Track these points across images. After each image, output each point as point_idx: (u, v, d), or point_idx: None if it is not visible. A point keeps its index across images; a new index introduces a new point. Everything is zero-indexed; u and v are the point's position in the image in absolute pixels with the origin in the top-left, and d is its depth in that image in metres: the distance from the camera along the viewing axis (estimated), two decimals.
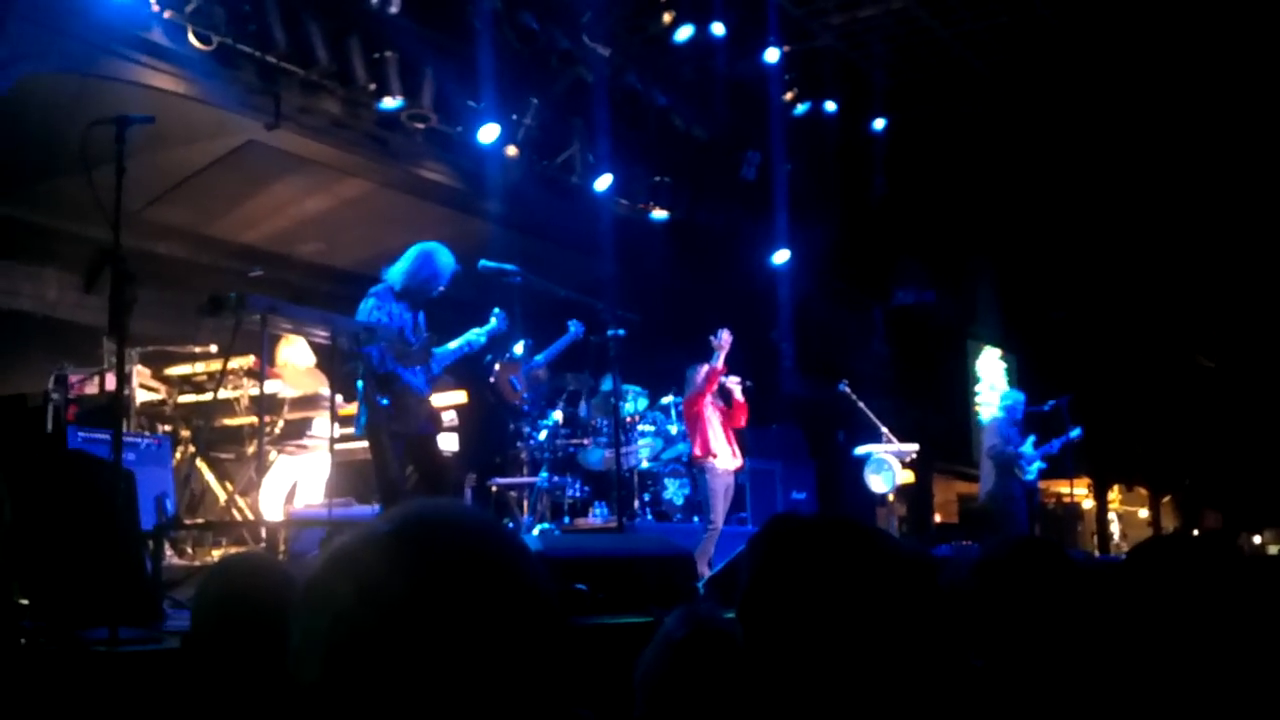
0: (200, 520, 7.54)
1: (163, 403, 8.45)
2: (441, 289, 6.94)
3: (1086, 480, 20.64)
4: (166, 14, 7.98)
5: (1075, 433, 11.70)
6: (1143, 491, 23.27)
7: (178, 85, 8.31)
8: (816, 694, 1.71)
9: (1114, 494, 22.88)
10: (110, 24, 7.72)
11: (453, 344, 7.22)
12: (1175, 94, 13.83)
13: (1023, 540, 2.71)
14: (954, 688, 1.87)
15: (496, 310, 7.42)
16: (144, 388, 8.36)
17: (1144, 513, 23.51)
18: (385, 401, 6.71)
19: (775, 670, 1.76)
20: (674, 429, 10.16)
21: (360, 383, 6.83)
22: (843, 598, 1.73)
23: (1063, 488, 17.67)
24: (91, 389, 8.10)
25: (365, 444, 8.74)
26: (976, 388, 18.64)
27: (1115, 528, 21.96)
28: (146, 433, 8.01)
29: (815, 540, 1.83)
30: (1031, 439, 11.46)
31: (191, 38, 8.15)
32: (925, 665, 1.74)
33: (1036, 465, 11.36)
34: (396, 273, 6.89)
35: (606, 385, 9.83)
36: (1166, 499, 22.77)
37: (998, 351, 19.41)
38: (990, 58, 13.43)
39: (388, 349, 6.66)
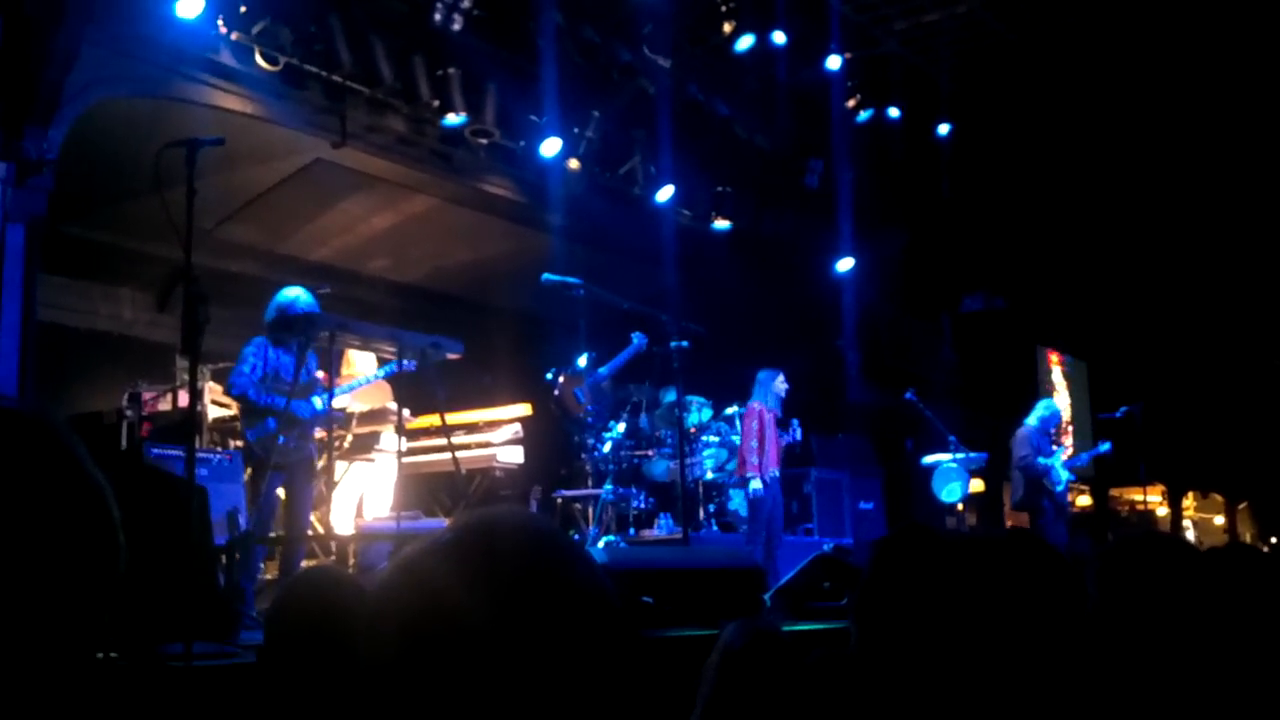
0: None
1: (234, 419, 8.57)
2: (305, 322, 7.05)
3: (1161, 488, 20.26)
4: (234, 36, 8.12)
5: (1104, 447, 11.60)
6: (1218, 498, 22.80)
7: (246, 106, 8.46)
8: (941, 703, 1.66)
9: (1189, 501, 22.43)
10: (180, 47, 7.86)
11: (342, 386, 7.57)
12: (1252, 97, 13.56)
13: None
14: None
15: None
16: (216, 404, 8.49)
17: (1219, 519, 23.04)
18: (253, 436, 6.94)
19: (892, 675, 1.74)
20: (738, 439, 10.11)
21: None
22: (981, 616, 1.66)
23: (1136, 495, 17.36)
24: (165, 406, 8.26)
25: (431, 457, 8.90)
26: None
27: (1190, 535, 21.53)
28: (219, 448, 8.13)
29: (956, 558, 1.78)
30: (1060, 451, 11.20)
31: (259, 59, 8.29)
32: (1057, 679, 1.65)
33: (1066, 478, 10.97)
34: (266, 322, 7.07)
35: (668, 396, 9.81)
36: (1242, 506, 22.29)
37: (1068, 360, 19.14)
38: (1059, 61, 13.25)
39: (265, 388, 6.90)
